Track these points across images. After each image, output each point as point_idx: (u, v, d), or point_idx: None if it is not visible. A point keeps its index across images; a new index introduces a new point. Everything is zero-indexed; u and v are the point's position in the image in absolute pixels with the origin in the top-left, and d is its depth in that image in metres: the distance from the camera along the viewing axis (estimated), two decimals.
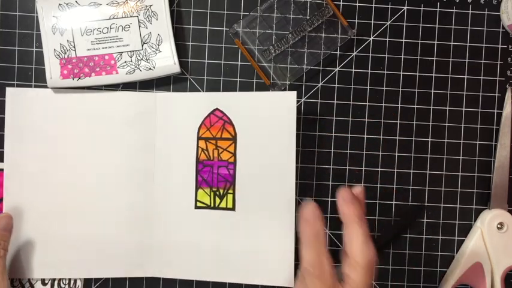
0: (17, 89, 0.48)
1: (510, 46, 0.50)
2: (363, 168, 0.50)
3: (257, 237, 0.47)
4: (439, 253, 0.50)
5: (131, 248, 0.48)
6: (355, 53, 0.50)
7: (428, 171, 0.50)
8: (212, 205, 0.48)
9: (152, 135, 0.48)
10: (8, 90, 0.48)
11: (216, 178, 0.48)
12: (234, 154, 0.47)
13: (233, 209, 0.47)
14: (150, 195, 0.48)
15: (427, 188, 0.50)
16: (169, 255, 0.48)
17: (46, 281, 0.48)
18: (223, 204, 0.48)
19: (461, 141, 0.50)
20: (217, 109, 0.47)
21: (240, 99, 0.47)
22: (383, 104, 0.50)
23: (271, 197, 0.47)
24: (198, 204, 0.48)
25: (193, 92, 0.49)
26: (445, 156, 0.50)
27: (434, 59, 0.50)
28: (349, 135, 0.50)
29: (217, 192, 0.48)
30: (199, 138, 0.48)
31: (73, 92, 0.48)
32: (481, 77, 0.50)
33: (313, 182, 0.49)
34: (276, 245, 0.47)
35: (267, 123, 0.47)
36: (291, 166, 0.47)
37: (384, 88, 0.50)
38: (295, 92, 0.47)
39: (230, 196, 0.47)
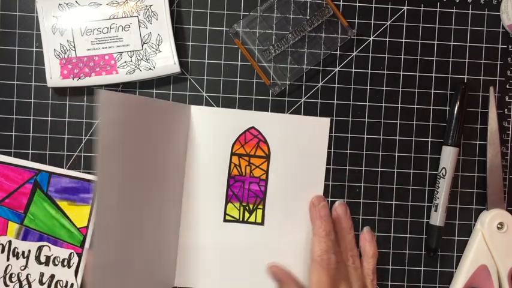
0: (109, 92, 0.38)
1: (510, 46, 0.50)
2: (363, 168, 0.50)
3: (284, 251, 0.48)
4: (439, 253, 0.50)
5: (157, 257, 0.47)
6: (355, 53, 0.50)
7: (428, 171, 0.50)
8: (241, 219, 0.49)
9: (183, 145, 0.48)
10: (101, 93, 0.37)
11: (246, 193, 0.49)
12: (267, 172, 0.49)
13: (262, 223, 0.48)
14: (178, 205, 0.48)
15: (427, 188, 0.50)
16: (195, 265, 0.48)
17: (44, 281, 0.49)
18: (252, 219, 0.49)
19: (462, 141, 0.50)
20: (253, 127, 0.48)
21: (276, 120, 0.49)
22: (383, 104, 0.50)
23: (299, 214, 0.48)
24: (227, 217, 0.49)
25: (228, 108, 0.49)
26: None
27: (434, 59, 0.50)
28: (349, 135, 0.50)
29: (247, 207, 0.49)
30: (232, 153, 0.48)
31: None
32: (481, 77, 0.50)
33: None
34: (302, 260, 0.48)
35: (300, 144, 0.48)
36: (320, 185, 0.49)
37: (384, 88, 0.50)
38: (329, 118, 0.49)
39: (260, 211, 0.49)
